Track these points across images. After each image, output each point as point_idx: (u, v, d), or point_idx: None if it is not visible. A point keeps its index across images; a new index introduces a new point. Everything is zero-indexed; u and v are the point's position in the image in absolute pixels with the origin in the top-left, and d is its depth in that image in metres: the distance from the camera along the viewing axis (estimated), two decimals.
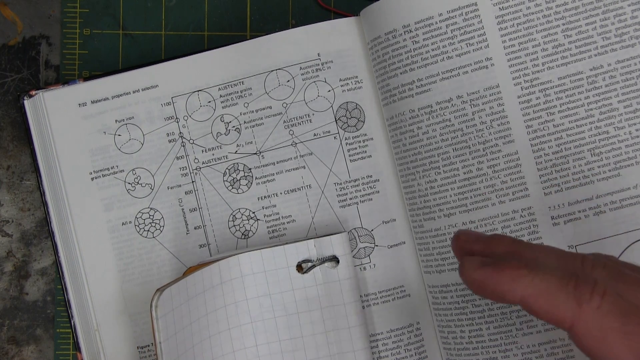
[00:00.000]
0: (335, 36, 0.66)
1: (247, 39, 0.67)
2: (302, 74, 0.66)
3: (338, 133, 0.66)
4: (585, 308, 0.40)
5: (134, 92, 0.66)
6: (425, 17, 0.62)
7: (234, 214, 0.66)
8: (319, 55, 0.66)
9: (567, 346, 0.60)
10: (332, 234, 0.63)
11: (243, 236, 0.66)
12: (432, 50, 0.62)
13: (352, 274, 0.62)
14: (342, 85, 0.66)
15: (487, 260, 0.43)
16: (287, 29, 0.67)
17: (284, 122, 0.66)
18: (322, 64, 0.66)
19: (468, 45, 0.61)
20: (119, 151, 0.66)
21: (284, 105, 0.66)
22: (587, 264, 0.43)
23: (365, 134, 0.66)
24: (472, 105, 0.61)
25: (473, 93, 0.61)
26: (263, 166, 0.66)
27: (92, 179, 0.66)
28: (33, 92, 0.66)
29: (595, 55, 0.60)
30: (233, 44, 0.66)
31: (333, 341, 0.61)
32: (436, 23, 0.61)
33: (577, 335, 0.40)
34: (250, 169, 0.66)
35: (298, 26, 0.66)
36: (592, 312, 0.40)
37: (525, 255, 0.44)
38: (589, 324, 0.40)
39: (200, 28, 0.70)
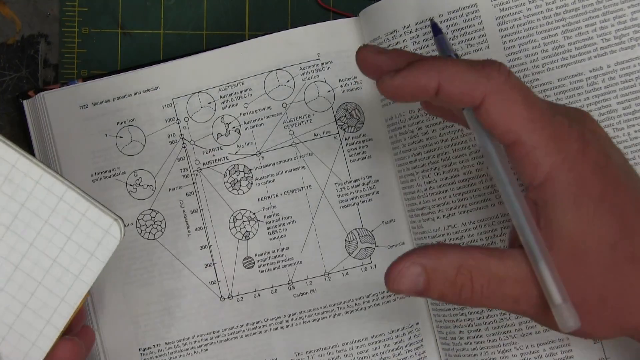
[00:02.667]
0: (335, 36, 0.66)
1: (246, 39, 0.67)
2: (301, 74, 0.66)
3: (338, 133, 0.66)
4: (493, 82, 0.43)
5: (135, 94, 0.66)
6: (426, 18, 0.62)
7: (234, 215, 0.66)
8: (318, 55, 0.66)
9: (566, 347, 0.60)
10: None
11: (244, 237, 0.66)
12: (433, 51, 0.62)
13: None
14: (341, 86, 0.66)
15: (401, 68, 0.45)
16: (286, 28, 0.67)
17: (284, 122, 0.66)
18: (322, 64, 0.66)
19: (468, 46, 0.61)
20: (120, 153, 0.66)
21: (284, 105, 0.66)
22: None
23: (365, 135, 0.66)
24: None
25: None
26: (263, 167, 0.66)
27: (94, 180, 0.66)
28: (32, 93, 0.67)
29: (595, 56, 0.60)
30: (232, 43, 0.66)
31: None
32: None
33: (486, 110, 0.43)
34: (250, 169, 0.66)
35: (297, 26, 0.66)
36: (500, 85, 0.43)
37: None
38: (497, 96, 0.43)
39: (199, 27, 0.70)
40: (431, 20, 0.53)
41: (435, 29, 0.52)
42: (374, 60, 0.49)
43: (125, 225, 0.55)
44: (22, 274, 0.54)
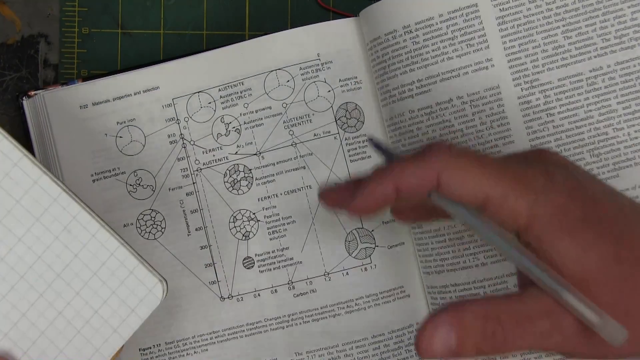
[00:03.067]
0: (335, 36, 0.66)
1: (246, 39, 0.67)
2: (301, 74, 0.66)
3: (338, 133, 0.66)
4: (440, 161, 0.45)
5: (135, 93, 0.66)
6: (426, 18, 0.62)
7: (234, 215, 0.66)
8: (318, 55, 0.66)
9: None
10: None
11: (244, 237, 0.66)
12: (433, 51, 0.62)
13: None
14: (341, 86, 0.66)
15: (357, 191, 0.48)
16: (286, 28, 0.67)
17: (284, 122, 0.66)
18: (322, 64, 0.66)
19: (468, 46, 0.61)
20: (120, 153, 0.66)
21: (284, 105, 0.66)
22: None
23: (365, 135, 0.66)
24: (472, 106, 0.61)
25: (473, 94, 0.61)
26: (263, 167, 0.66)
27: (94, 180, 0.66)
28: (32, 93, 0.66)
29: (595, 56, 0.60)
30: (232, 43, 0.66)
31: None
32: (437, 24, 0.61)
33: (446, 184, 0.45)
34: (250, 169, 0.66)
35: (297, 26, 0.66)
36: (446, 160, 0.45)
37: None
38: (449, 169, 0.45)
39: (199, 27, 0.70)
40: (367, 137, 0.56)
41: (374, 144, 0.52)
42: (333, 197, 0.52)
43: (167, 287, 0.57)
44: (64, 321, 0.56)
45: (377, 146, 0.52)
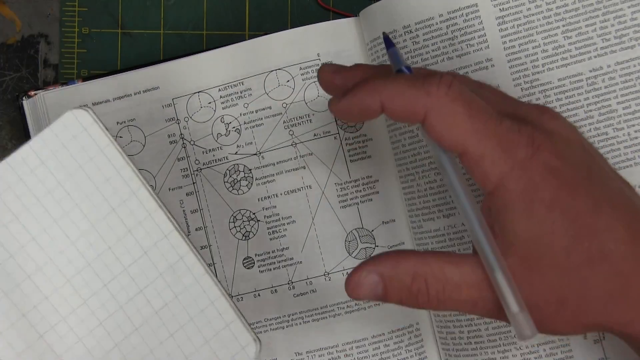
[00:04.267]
0: (335, 36, 0.66)
1: (246, 39, 0.67)
2: (301, 74, 0.66)
3: (338, 133, 0.66)
4: (433, 96, 0.44)
5: (135, 94, 0.66)
6: (426, 18, 0.61)
7: (234, 215, 0.66)
8: (318, 55, 0.66)
9: (566, 347, 0.60)
10: None
11: (244, 237, 0.66)
12: (433, 50, 0.62)
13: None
14: None
15: (348, 89, 0.47)
16: (286, 28, 0.66)
17: (284, 122, 0.66)
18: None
19: (468, 46, 0.61)
20: None
21: (284, 105, 0.66)
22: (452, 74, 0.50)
23: (365, 134, 0.66)
24: None
25: None
26: (263, 167, 0.66)
27: None
28: (32, 93, 0.66)
29: (595, 56, 0.60)
30: (232, 43, 0.66)
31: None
32: (437, 24, 0.61)
33: (430, 124, 0.44)
34: (250, 169, 0.66)
35: (297, 26, 0.66)
36: (440, 98, 0.44)
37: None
38: (439, 110, 0.44)
39: (199, 27, 0.70)
40: (383, 33, 0.54)
41: (388, 42, 0.52)
42: (331, 79, 0.52)
43: (261, 348, 0.55)
44: None
45: (389, 45, 0.51)
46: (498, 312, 0.46)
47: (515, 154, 0.44)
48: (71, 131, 0.54)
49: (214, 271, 0.66)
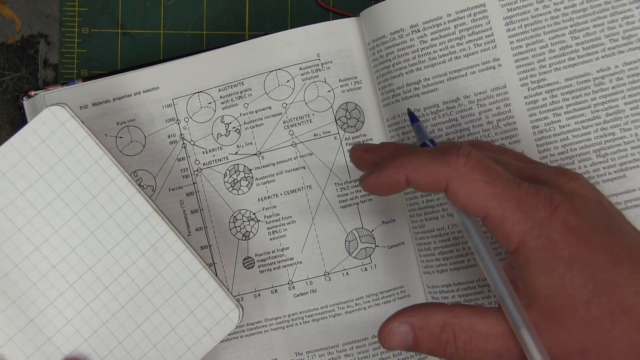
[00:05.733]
0: (335, 36, 0.63)
1: (246, 39, 0.65)
2: (301, 74, 0.63)
3: (338, 133, 0.63)
4: (453, 166, 0.46)
5: (135, 94, 0.63)
6: (434, 18, 0.60)
7: (234, 215, 0.63)
8: (318, 55, 0.63)
9: None
10: None
11: (244, 237, 0.63)
12: (440, 50, 0.60)
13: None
14: (341, 86, 0.63)
15: (377, 166, 0.50)
16: (286, 28, 0.64)
17: (284, 122, 0.63)
18: (322, 64, 0.63)
19: (476, 45, 0.59)
20: (120, 153, 0.63)
21: (284, 105, 0.63)
22: (472, 144, 0.52)
23: (365, 135, 0.63)
24: (479, 105, 0.60)
25: (480, 93, 0.59)
26: (263, 167, 0.63)
27: None
28: (32, 93, 0.64)
29: (603, 57, 0.58)
30: (232, 43, 0.64)
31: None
32: (444, 23, 0.60)
33: (452, 192, 0.46)
34: (250, 169, 0.63)
35: (297, 26, 0.63)
36: (460, 168, 0.46)
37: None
38: (458, 179, 0.46)
39: (199, 27, 0.67)
40: (408, 109, 0.55)
41: (412, 118, 0.54)
42: (362, 157, 0.54)
43: (243, 314, 0.57)
44: (141, 334, 0.56)
45: (413, 120, 0.54)
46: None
47: (534, 214, 0.45)
48: (49, 127, 0.56)
49: (214, 271, 0.64)
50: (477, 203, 0.46)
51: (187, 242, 0.57)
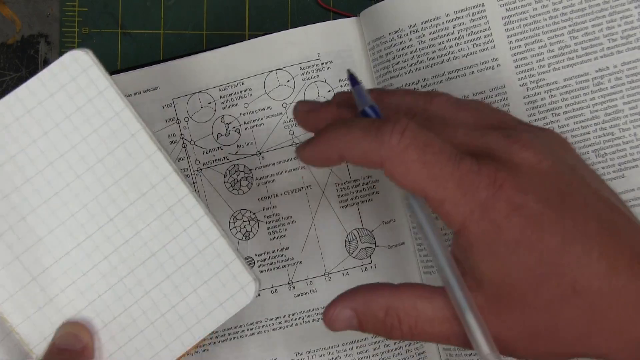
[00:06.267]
0: (335, 36, 0.64)
1: (246, 39, 0.65)
2: (302, 74, 0.64)
3: None
4: (386, 146, 0.42)
5: (135, 94, 0.64)
6: (432, 18, 0.60)
7: (234, 215, 0.64)
8: (318, 55, 0.64)
9: None
10: None
11: (244, 237, 0.64)
12: (439, 50, 0.60)
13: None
14: (341, 86, 0.64)
15: (311, 137, 0.46)
16: (286, 28, 0.65)
17: (284, 122, 0.64)
18: (322, 64, 0.64)
19: (475, 45, 0.60)
20: None
21: (284, 105, 0.64)
22: (422, 99, 0.48)
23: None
24: None
25: (479, 93, 0.60)
26: (263, 167, 0.64)
27: None
28: None
29: (601, 56, 0.58)
30: (232, 43, 0.64)
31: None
32: (443, 23, 0.60)
33: (388, 172, 0.43)
34: (250, 169, 0.64)
35: (297, 26, 0.64)
36: (393, 148, 0.42)
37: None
38: (393, 159, 0.42)
39: (199, 27, 0.68)
40: (348, 70, 0.50)
41: (352, 80, 0.49)
42: (304, 119, 0.50)
43: (260, 287, 0.54)
44: (149, 302, 0.53)
45: (354, 83, 0.48)
46: (467, 342, 0.45)
47: (476, 195, 0.42)
48: (70, 72, 0.52)
49: None
50: (414, 185, 0.42)
51: (209, 210, 0.54)
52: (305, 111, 0.50)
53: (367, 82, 0.63)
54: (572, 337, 0.43)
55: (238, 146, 0.64)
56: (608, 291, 0.41)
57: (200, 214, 0.53)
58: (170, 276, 0.53)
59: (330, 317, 0.46)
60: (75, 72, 0.52)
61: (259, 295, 0.64)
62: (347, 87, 0.63)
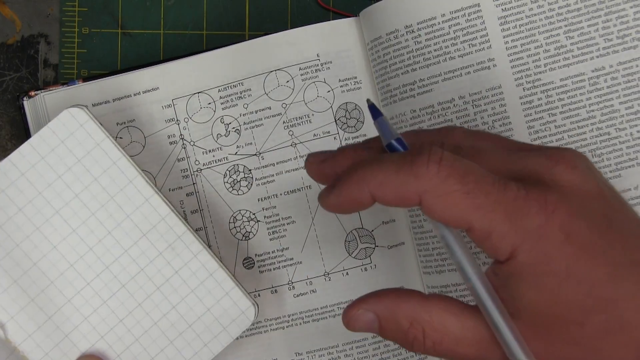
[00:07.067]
0: (335, 36, 0.64)
1: (246, 39, 0.66)
2: (301, 75, 0.64)
3: (338, 133, 0.65)
4: (424, 178, 0.39)
5: (135, 94, 0.64)
6: (428, 18, 0.60)
7: (234, 215, 0.65)
8: (318, 55, 0.64)
9: None
10: None
11: (244, 237, 0.65)
12: (435, 50, 0.61)
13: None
14: (341, 86, 0.64)
15: (333, 182, 0.43)
16: (286, 28, 0.65)
17: (284, 122, 0.65)
18: (322, 65, 0.64)
19: (470, 46, 0.60)
20: None
21: (284, 105, 0.65)
22: (440, 135, 0.45)
23: (365, 135, 0.64)
24: (474, 106, 0.60)
25: (475, 94, 0.60)
26: (263, 167, 0.65)
27: None
28: (33, 93, 0.65)
29: (597, 56, 0.59)
30: (232, 43, 0.65)
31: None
32: (439, 24, 0.60)
33: (428, 207, 0.40)
34: (250, 170, 0.65)
35: (297, 26, 0.64)
36: (432, 179, 0.39)
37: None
38: (432, 192, 0.39)
39: (199, 27, 0.68)
40: (368, 100, 0.47)
41: (374, 112, 0.45)
42: (319, 170, 0.47)
43: (258, 311, 0.61)
44: (158, 331, 0.59)
45: (376, 115, 0.45)
46: None
47: (526, 224, 0.40)
48: (68, 128, 0.58)
49: None
50: (458, 217, 0.40)
51: (207, 246, 0.59)
52: (319, 162, 0.47)
53: (367, 82, 0.64)
54: None
55: (238, 146, 0.64)
56: None
57: (199, 249, 0.59)
58: (175, 306, 0.59)
59: (350, 316, 0.44)
60: (73, 127, 0.58)
61: (259, 295, 0.65)
62: (347, 88, 0.64)
